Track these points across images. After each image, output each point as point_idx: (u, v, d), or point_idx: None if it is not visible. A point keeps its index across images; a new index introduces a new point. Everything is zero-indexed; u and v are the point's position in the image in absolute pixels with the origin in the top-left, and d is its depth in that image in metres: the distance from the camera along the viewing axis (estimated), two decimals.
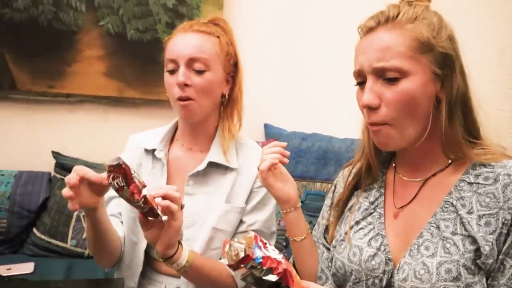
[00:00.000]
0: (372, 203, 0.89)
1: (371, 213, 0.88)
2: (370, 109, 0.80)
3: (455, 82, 0.78)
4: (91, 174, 0.84)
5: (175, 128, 1.21)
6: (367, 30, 0.82)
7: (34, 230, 1.81)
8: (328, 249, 0.96)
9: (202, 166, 1.11)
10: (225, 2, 2.05)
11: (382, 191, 0.90)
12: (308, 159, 2.05)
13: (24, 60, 1.89)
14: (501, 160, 0.78)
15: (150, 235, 0.90)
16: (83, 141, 1.99)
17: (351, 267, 0.84)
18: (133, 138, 1.23)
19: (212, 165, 1.11)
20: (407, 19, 0.78)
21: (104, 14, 1.93)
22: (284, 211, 0.95)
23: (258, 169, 0.94)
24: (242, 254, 0.65)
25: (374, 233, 0.85)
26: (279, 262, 0.65)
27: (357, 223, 0.89)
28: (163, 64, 1.11)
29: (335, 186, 1.01)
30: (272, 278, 0.64)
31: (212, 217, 1.08)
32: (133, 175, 0.81)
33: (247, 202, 1.11)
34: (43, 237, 1.79)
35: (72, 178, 0.83)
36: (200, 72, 1.07)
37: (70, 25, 1.90)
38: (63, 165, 1.89)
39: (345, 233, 0.89)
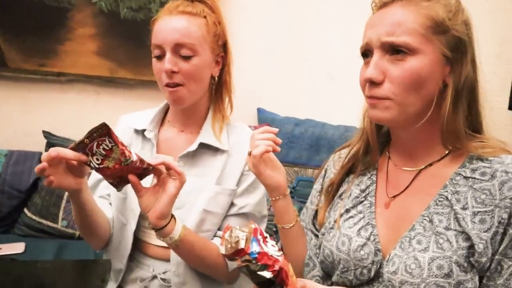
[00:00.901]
0: (363, 191, 0.88)
1: (362, 202, 0.87)
2: (372, 83, 0.77)
3: (464, 69, 0.76)
4: (68, 153, 0.82)
5: (166, 109, 1.19)
6: (381, 5, 0.79)
7: (25, 210, 1.80)
8: (317, 236, 0.95)
9: (193, 147, 1.10)
10: None
11: (374, 178, 0.88)
12: (301, 145, 2.04)
13: (15, 37, 1.85)
14: (499, 155, 0.76)
15: (145, 203, 0.90)
16: (74, 121, 1.97)
17: (339, 256, 0.83)
18: (122, 118, 1.21)
19: (203, 147, 1.10)
20: None
21: None
22: (273, 199, 0.93)
23: (249, 154, 0.91)
24: (243, 243, 0.63)
25: (364, 223, 0.83)
26: (275, 260, 0.64)
27: (347, 211, 0.87)
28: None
29: (325, 171, 0.99)
30: (267, 274, 0.63)
31: (202, 199, 1.07)
32: (116, 134, 0.81)
33: (238, 184, 1.10)
34: (34, 217, 1.78)
35: (46, 154, 0.82)
36: (187, 58, 1.04)
37: (63, 2, 1.86)
38: (54, 145, 1.87)
39: (335, 221, 0.87)
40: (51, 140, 1.89)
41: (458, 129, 0.77)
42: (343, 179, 0.92)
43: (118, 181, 0.87)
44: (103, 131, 0.79)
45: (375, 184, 0.88)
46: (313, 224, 0.98)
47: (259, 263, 0.63)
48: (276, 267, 0.63)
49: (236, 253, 0.64)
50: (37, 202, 1.79)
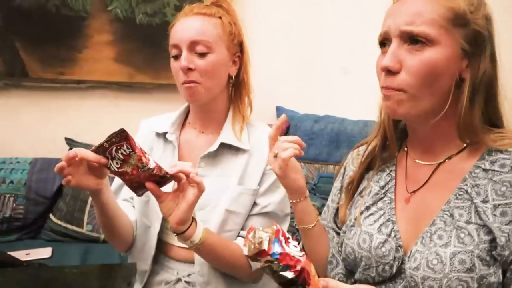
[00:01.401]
0: (382, 187, 0.87)
1: (382, 198, 0.86)
2: (388, 72, 0.76)
3: (482, 64, 0.74)
4: (89, 154, 0.84)
5: (187, 112, 1.20)
6: None
7: (51, 216, 1.84)
8: (338, 234, 0.94)
9: (214, 147, 1.10)
10: None
11: (393, 174, 0.87)
12: (321, 142, 2.02)
13: (34, 47, 1.89)
14: None
15: (165, 208, 0.91)
16: (95, 126, 1.99)
17: (361, 254, 0.83)
18: (144, 122, 1.23)
19: (224, 147, 1.11)
20: None
21: None
22: (294, 201, 0.92)
23: (275, 156, 0.88)
24: (265, 244, 0.64)
25: (385, 219, 0.83)
26: (297, 260, 0.64)
27: (367, 208, 0.86)
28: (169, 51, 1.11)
29: (344, 169, 0.99)
30: (289, 275, 0.64)
31: (225, 199, 1.08)
32: (134, 140, 0.82)
33: (260, 184, 1.10)
34: (59, 222, 1.81)
35: (69, 153, 0.84)
36: (202, 55, 1.05)
37: (79, 10, 1.89)
38: None
39: (355, 219, 0.87)
40: (74, 146, 1.92)
41: (474, 124, 0.75)
42: (363, 176, 0.92)
43: (137, 186, 0.89)
44: (121, 137, 0.80)
45: (394, 180, 0.87)
46: (335, 222, 0.97)
47: (281, 264, 0.64)
48: (298, 267, 0.63)
49: (259, 254, 0.64)
50: (62, 208, 1.82)
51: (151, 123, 1.21)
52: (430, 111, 0.76)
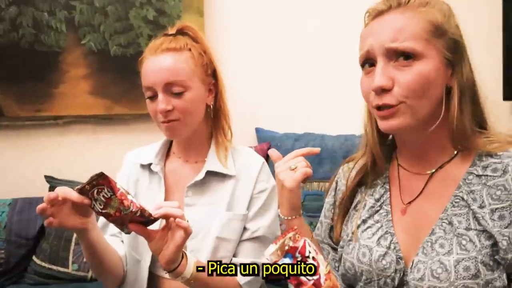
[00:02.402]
0: (377, 200, 0.87)
1: (378, 211, 0.86)
2: (382, 91, 0.76)
3: (465, 70, 0.77)
4: (72, 194, 0.82)
5: (170, 141, 1.20)
6: (377, 14, 0.79)
7: (34, 258, 1.77)
8: (334, 249, 0.94)
9: (201, 175, 1.10)
10: (205, 9, 2.03)
11: (387, 187, 0.88)
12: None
13: (9, 86, 1.86)
14: (508, 148, 0.76)
15: (154, 246, 0.89)
16: (76, 162, 1.96)
17: (361, 268, 0.82)
18: (128, 155, 1.22)
19: (210, 174, 1.10)
20: (420, 3, 0.77)
21: (85, 32, 1.91)
22: (289, 218, 0.91)
23: (293, 169, 0.87)
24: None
25: (383, 232, 0.83)
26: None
27: (364, 221, 0.86)
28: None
29: (336, 183, 0.99)
30: None
31: (215, 226, 1.07)
32: (116, 183, 0.81)
33: (248, 208, 1.10)
34: (43, 264, 1.75)
35: (46, 195, 0.82)
36: (179, 94, 1.05)
37: (52, 46, 1.88)
38: None
39: (352, 233, 0.87)
40: (54, 184, 1.88)
41: (465, 128, 0.77)
42: (356, 190, 0.92)
43: (122, 226, 0.87)
44: (100, 180, 0.80)
45: (388, 192, 0.87)
46: (330, 238, 0.97)
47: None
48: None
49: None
50: (45, 248, 1.77)
51: (135, 155, 1.20)
52: (427, 121, 0.78)
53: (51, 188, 1.88)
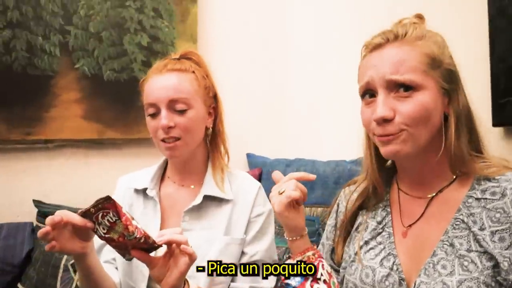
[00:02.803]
0: (379, 222, 0.89)
1: (380, 233, 0.88)
2: (384, 121, 0.79)
3: (460, 98, 0.81)
4: (75, 217, 0.82)
5: (165, 166, 1.20)
6: (374, 47, 0.83)
7: (19, 285, 1.72)
8: (336, 271, 0.95)
9: (198, 200, 1.09)
10: (199, 36, 2.07)
11: (388, 210, 0.90)
12: None
13: (0, 109, 1.84)
14: (504, 172, 0.80)
15: (156, 274, 0.88)
16: (65, 187, 1.93)
17: None
18: (121, 180, 1.21)
19: (207, 199, 1.10)
20: (416, 37, 0.81)
21: (79, 57, 1.91)
22: (290, 239, 0.92)
23: (280, 193, 0.90)
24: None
25: (386, 253, 0.84)
26: None
27: (366, 243, 0.88)
28: (143, 106, 1.11)
29: (338, 206, 1.01)
30: None
31: (213, 251, 1.06)
32: (122, 207, 0.81)
33: (246, 232, 1.10)
34: None
35: (50, 218, 0.81)
36: (182, 112, 1.07)
37: (45, 70, 1.87)
38: (46, 213, 1.82)
39: (355, 254, 0.88)
40: (42, 209, 1.84)
41: (462, 154, 0.81)
42: (357, 212, 0.94)
43: (125, 252, 0.86)
44: (106, 204, 0.79)
45: (390, 215, 0.89)
46: (332, 259, 0.98)
47: None
48: None
49: None
50: (32, 275, 1.72)
51: (129, 180, 1.19)
52: (427, 148, 0.81)
53: (39, 212, 1.85)
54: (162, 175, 1.19)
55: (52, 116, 1.89)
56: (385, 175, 0.93)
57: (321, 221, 1.88)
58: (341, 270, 0.92)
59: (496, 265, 0.74)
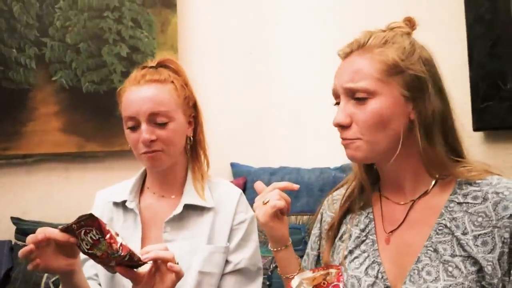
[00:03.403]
0: (363, 230, 0.89)
1: (364, 241, 0.88)
2: (342, 127, 0.84)
3: (429, 104, 0.81)
4: (57, 233, 0.80)
5: (144, 177, 1.17)
6: (344, 55, 0.88)
7: None
8: None
9: (178, 210, 1.08)
10: (179, 46, 2.05)
11: (371, 216, 0.90)
12: None
13: None
14: (485, 177, 0.80)
15: None
16: (45, 203, 1.89)
17: None
18: (99, 194, 1.19)
19: (188, 208, 1.09)
20: (376, 44, 0.83)
21: (57, 69, 1.88)
22: (275, 249, 0.92)
23: (264, 203, 0.90)
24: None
25: (370, 261, 0.84)
26: None
27: (351, 252, 0.87)
28: (122, 118, 1.09)
29: (321, 215, 1.00)
30: None
31: (196, 261, 1.04)
32: (106, 224, 0.79)
33: (229, 240, 1.08)
34: None
35: (32, 236, 0.79)
36: (163, 125, 1.05)
37: (21, 83, 1.84)
38: (25, 230, 1.77)
39: (340, 264, 0.87)
40: (21, 226, 1.79)
41: (439, 158, 0.81)
42: (342, 220, 0.93)
43: (108, 268, 0.85)
44: (89, 222, 0.78)
45: (373, 222, 0.89)
46: None
47: None
48: None
49: None
50: None
51: (107, 194, 1.17)
52: (387, 152, 0.83)
53: (18, 230, 1.79)
54: (141, 187, 1.16)
55: (30, 130, 1.85)
56: (372, 178, 0.93)
57: (307, 229, 1.86)
58: None
59: (480, 270, 0.73)
